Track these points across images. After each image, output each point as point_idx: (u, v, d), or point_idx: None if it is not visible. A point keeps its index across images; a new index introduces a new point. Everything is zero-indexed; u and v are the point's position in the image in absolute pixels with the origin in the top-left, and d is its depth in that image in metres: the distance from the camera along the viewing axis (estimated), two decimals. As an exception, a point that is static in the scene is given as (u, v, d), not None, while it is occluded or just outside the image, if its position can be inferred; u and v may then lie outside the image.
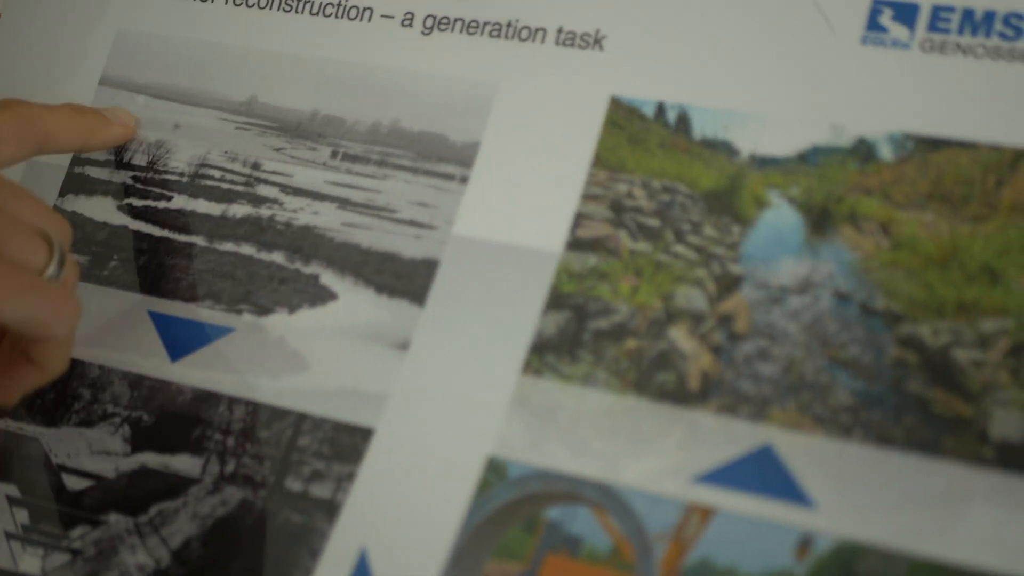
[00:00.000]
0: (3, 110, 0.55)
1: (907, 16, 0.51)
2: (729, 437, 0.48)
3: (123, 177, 0.60)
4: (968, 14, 0.50)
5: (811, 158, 0.50)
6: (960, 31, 0.50)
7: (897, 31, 0.51)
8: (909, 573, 0.44)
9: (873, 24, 0.51)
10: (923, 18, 0.51)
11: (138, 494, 0.54)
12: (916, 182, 0.49)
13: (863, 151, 0.50)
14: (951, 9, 0.50)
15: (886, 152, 0.50)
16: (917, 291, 0.48)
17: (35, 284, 0.48)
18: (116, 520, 0.54)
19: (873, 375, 0.47)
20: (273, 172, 0.58)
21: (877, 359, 0.47)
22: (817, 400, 0.47)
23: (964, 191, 0.48)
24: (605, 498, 0.48)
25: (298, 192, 0.57)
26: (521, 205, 0.53)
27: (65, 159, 0.61)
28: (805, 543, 0.46)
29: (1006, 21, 0.50)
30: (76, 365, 0.57)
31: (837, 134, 0.50)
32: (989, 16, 0.50)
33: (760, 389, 0.48)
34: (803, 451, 0.47)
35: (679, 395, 0.49)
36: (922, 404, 0.46)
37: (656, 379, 0.49)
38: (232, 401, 0.54)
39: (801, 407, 0.48)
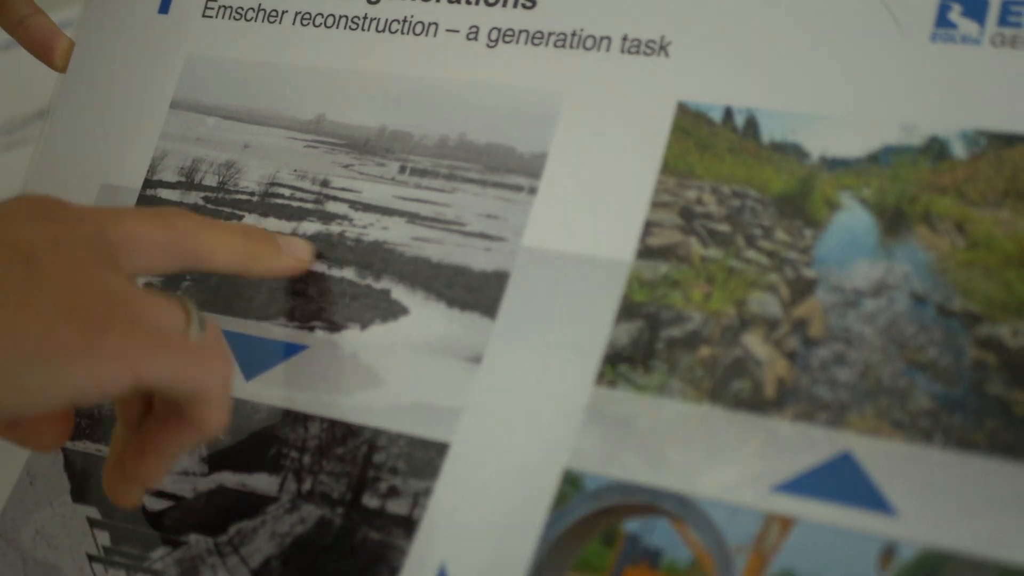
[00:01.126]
0: (158, 218, 0.51)
1: (976, 11, 0.50)
2: (807, 445, 0.47)
3: (194, 198, 0.60)
4: (1040, 6, 0.49)
5: (882, 158, 0.50)
6: (1033, 23, 0.49)
7: (966, 27, 0.50)
8: (996, 579, 0.44)
9: (942, 20, 0.50)
10: (993, 12, 0.50)
11: (217, 513, 0.55)
12: (991, 179, 0.48)
13: (935, 149, 0.49)
14: (1021, 2, 0.49)
15: (959, 149, 0.49)
16: (995, 290, 0.47)
17: (177, 343, 0.48)
18: (196, 540, 0.54)
19: (952, 378, 0.46)
20: (342, 189, 0.58)
21: (956, 361, 0.46)
22: (896, 405, 0.47)
23: (1041, 187, 0.47)
24: (684, 509, 0.48)
25: (367, 208, 0.57)
26: (590, 214, 0.53)
27: (137, 180, 0.61)
28: (888, 552, 0.45)
29: (1080, 12, 0.49)
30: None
31: (908, 133, 0.50)
32: (1062, 8, 0.49)
33: (837, 395, 0.48)
34: (883, 457, 0.46)
35: (755, 403, 0.48)
36: (1004, 407, 0.45)
37: (731, 387, 0.49)
38: (307, 418, 0.55)
39: (879, 412, 0.47)
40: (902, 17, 0.51)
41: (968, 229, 0.48)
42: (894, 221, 0.49)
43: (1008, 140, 0.48)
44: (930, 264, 0.48)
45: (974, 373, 0.46)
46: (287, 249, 0.56)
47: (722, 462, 0.48)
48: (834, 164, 0.50)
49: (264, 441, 0.55)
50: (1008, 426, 0.45)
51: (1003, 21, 0.50)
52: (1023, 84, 0.49)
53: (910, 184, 0.49)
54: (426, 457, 0.52)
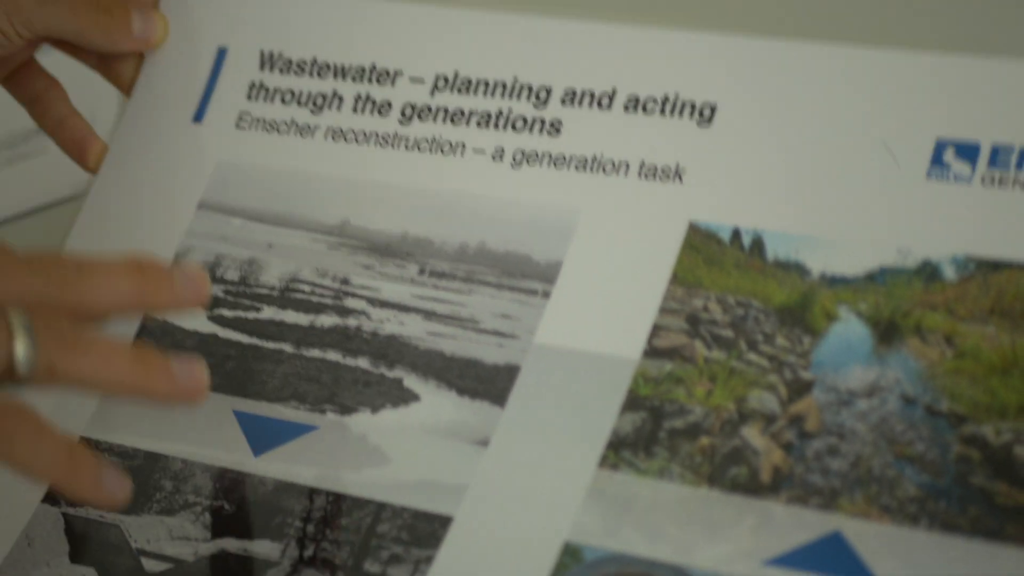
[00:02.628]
0: (29, 268, 0.49)
1: (969, 154, 0.55)
2: (800, 525, 0.50)
3: (215, 291, 0.63)
4: (1025, 154, 0.55)
5: (879, 277, 0.54)
6: (1019, 167, 0.54)
7: (959, 167, 0.55)
8: (976, 650, 0.47)
9: (937, 160, 0.55)
10: (983, 156, 0.55)
11: (217, 575, 0.56)
12: (978, 299, 0.53)
13: (928, 271, 0.54)
14: (1010, 149, 0.55)
15: (949, 272, 0.53)
16: (980, 395, 0.51)
17: None
18: (193, 601, 0.56)
19: (938, 470, 0.50)
20: (361, 286, 0.61)
21: (942, 456, 0.50)
22: (885, 492, 0.50)
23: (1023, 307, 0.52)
24: (679, 580, 0.51)
25: (385, 304, 0.60)
26: (601, 317, 0.57)
27: (159, 273, 0.64)
28: (875, 622, 0.48)
29: (1061, 160, 0.54)
30: (159, 459, 0.59)
31: (903, 256, 0.54)
32: (1047, 155, 0.54)
33: (829, 482, 0.51)
34: (872, 537, 0.49)
35: (751, 487, 0.52)
36: (986, 495, 0.49)
37: (729, 473, 0.52)
38: (313, 492, 0.57)
39: (869, 498, 0.50)
40: (900, 156, 0.56)
41: (956, 341, 0.52)
42: (888, 332, 0.53)
43: (995, 265, 0.53)
44: (920, 371, 0.52)
45: (959, 466, 0.50)
46: (180, 284, 0.51)
47: (717, 538, 0.51)
48: (833, 281, 0.55)
49: (268, 511, 0.57)
50: (990, 513, 0.49)
51: (993, 163, 0.55)
52: (1010, 219, 0.54)
53: (903, 301, 0.53)
54: (429, 528, 0.55)
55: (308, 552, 0.56)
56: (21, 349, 0.47)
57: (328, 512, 0.56)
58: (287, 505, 0.57)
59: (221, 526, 0.57)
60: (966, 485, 0.49)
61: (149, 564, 0.57)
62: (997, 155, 0.55)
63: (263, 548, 0.56)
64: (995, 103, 0.56)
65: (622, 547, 0.52)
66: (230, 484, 0.58)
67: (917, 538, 0.49)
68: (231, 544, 0.57)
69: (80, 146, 0.68)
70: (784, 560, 0.50)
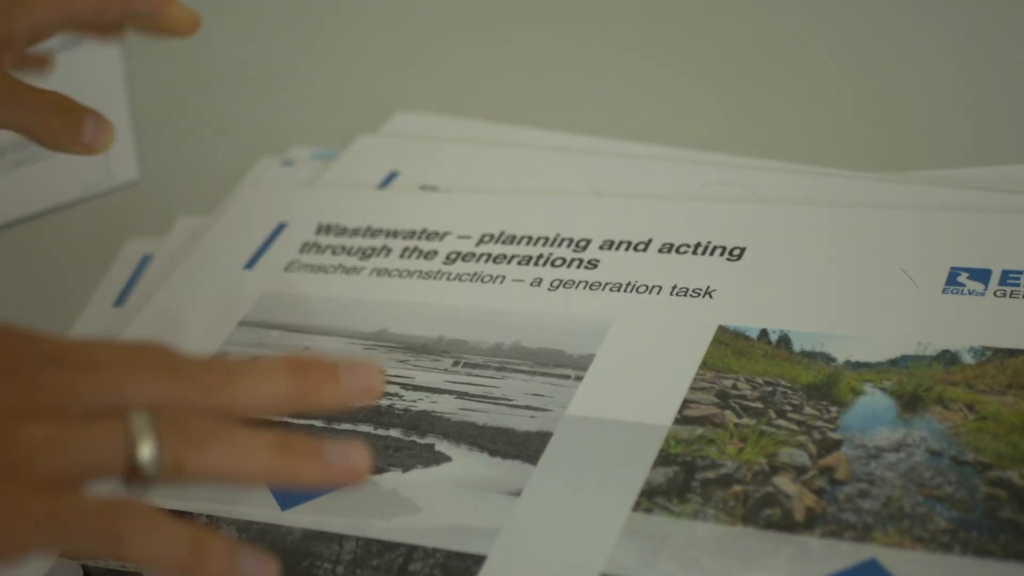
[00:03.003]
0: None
1: (981, 277, 0.60)
2: (835, 554, 0.52)
3: (246, 381, 0.65)
4: (1033, 274, 0.59)
5: (901, 363, 0.58)
6: (1028, 284, 0.59)
7: (973, 285, 0.60)
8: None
9: (952, 281, 0.60)
10: (995, 278, 0.60)
11: (239, 612, 0.56)
12: (996, 377, 0.56)
13: (947, 358, 0.57)
14: (1019, 273, 0.60)
15: (968, 358, 0.57)
16: (1003, 448, 0.54)
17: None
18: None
19: (968, 507, 0.52)
20: (396, 375, 0.63)
21: (971, 496, 0.52)
22: (917, 525, 0.52)
23: (1040, 382, 0.55)
24: (716, 602, 0.51)
25: (418, 388, 0.63)
26: (633, 394, 0.59)
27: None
28: (913, 630, 0.49)
29: (1065, 277, 0.59)
30: (182, 516, 0.60)
31: (923, 347, 0.58)
32: (1052, 276, 0.59)
33: (862, 518, 0.53)
34: (908, 563, 0.51)
35: (785, 524, 0.53)
36: (1015, 526, 0.51)
37: (763, 513, 0.54)
38: (343, 538, 0.57)
39: (902, 531, 0.52)
40: (918, 279, 0.61)
41: (977, 408, 0.55)
42: (911, 402, 0.56)
43: (1010, 352, 0.57)
44: (944, 430, 0.55)
45: (987, 503, 0.52)
46: (347, 377, 0.50)
47: (753, 567, 0.52)
48: (858, 365, 0.58)
49: (296, 556, 0.57)
50: (1020, 540, 0.51)
51: (1003, 283, 0.60)
52: (1021, 317, 0.58)
53: (925, 379, 0.57)
54: (462, 566, 0.55)
55: (335, 588, 0.56)
56: (145, 451, 0.47)
57: (358, 555, 0.57)
58: (316, 550, 0.57)
59: (245, 570, 0.57)
60: (995, 518, 0.52)
61: (168, 603, 0.57)
62: (1007, 277, 0.60)
63: (289, 587, 0.56)
64: (1005, 233, 0.61)
65: (658, 577, 0.53)
66: (257, 534, 0.59)
67: (951, 562, 0.51)
68: (255, 584, 0.57)
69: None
70: (821, 583, 0.51)
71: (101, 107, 0.62)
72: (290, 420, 0.61)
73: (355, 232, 0.71)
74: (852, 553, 0.52)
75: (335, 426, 0.62)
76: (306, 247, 0.71)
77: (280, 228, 0.72)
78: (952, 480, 0.53)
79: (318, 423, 0.62)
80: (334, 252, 0.70)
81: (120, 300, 0.72)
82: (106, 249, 0.75)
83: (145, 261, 0.74)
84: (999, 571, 0.50)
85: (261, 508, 0.59)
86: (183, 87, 0.85)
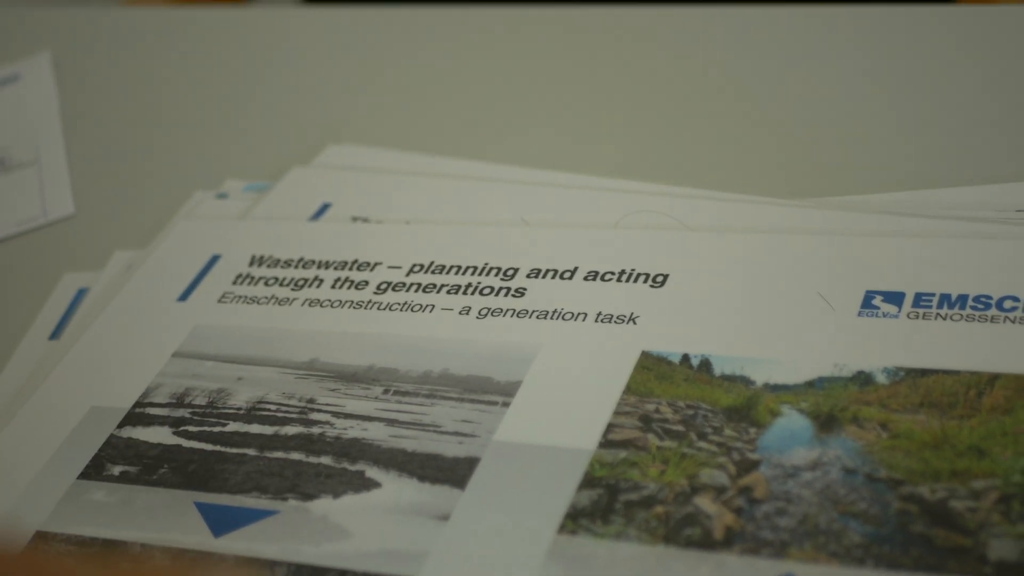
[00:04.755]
0: None
1: (895, 300, 0.62)
2: (753, 571, 0.53)
3: (182, 412, 0.66)
4: (945, 296, 0.61)
5: (817, 384, 0.59)
6: (940, 307, 0.61)
7: (887, 308, 0.62)
8: (924, 659, 0.49)
9: (867, 304, 0.62)
10: (908, 301, 0.62)
11: (172, 637, 0.57)
12: (909, 396, 0.58)
13: (862, 378, 0.59)
14: (931, 295, 0.61)
15: (882, 378, 0.59)
16: (915, 464, 0.55)
17: None
18: (147, 659, 0.56)
19: (880, 522, 0.54)
20: (327, 404, 0.65)
21: (883, 511, 0.54)
22: (832, 541, 0.54)
23: (950, 400, 0.57)
24: (637, 619, 0.53)
25: (349, 416, 0.64)
26: (558, 419, 0.61)
27: (128, 400, 0.67)
28: (827, 643, 0.51)
29: (976, 299, 0.61)
30: (117, 544, 0.61)
31: (839, 369, 0.60)
32: (963, 297, 0.61)
33: (779, 536, 0.54)
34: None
35: (705, 543, 0.55)
36: (926, 540, 0.53)
37: (683, 533, 0.55)
38: (275, 564, 0.58)
39: (817, 547, 0.54)
40: (835, 303, 0.62)
41: (891, 426, 0.57)
42: (827, 422, 0.58)
43: (922, 372, 0.59)
44: (859, 449, 0.57)
45: (899, 518, 0.54)
46: None
47: (674, 585, 0.54)
48: (776, 388, 0.60)
49: (228, 582, 0.58)
50: (931, 553, 0.52)
51: (916, 305, 0.61)
52: (935, 340, 0.60)
53: (840, 399, 0.58)
54: (390, 588, 0.56)
55: (267, 613, 0.57)
56: None
57: (289, 580, 0.58)
58: (247, 576, 0.58)
59: (178, 597, 0.58)
60: (907, 532, 0.53)
61: (102, 631, 0.58)
62: (920, 299, 0.62)
63: (221, 612, 0.57)
64: (918, 256, 0.63)
65: (582, 596, 0.54)
66: (189, 562, 0.60)
67: (864, 575, 0.52)
68: (188, 610, 0.58)
69: None
70: (739, 598, 0.53)
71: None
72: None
73: (287, 263, 0.72)
74: (769, 569, 0.53)
75: (266, 454, 0.63)
76: (239, 279, 0.72)
77: (214, 260, 0.73)
78: (866, 496, 0.55)
79: (251, 451, 0.63)
80: (267, 283, 0.71)
81: (56, 333, 0.73)
82: (42, 283, 0.76)
83: (81, 294, 0.75)
84: (910, 583, 0.52)
85: (193, 535, 0.60)
86: (118, 123, 0.86)
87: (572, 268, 0.68)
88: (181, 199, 0.79)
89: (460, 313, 0.67)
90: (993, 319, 0.60)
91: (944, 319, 0.61)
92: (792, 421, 0.59)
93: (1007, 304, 0.60)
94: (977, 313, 0.60)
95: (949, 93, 0.75)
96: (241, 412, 0.65)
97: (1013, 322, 0.60)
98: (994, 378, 0.58)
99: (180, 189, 0.79)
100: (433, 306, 0.68)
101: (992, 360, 0.58)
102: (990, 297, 0.61)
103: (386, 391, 0.65)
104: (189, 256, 0.74)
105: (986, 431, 0.56)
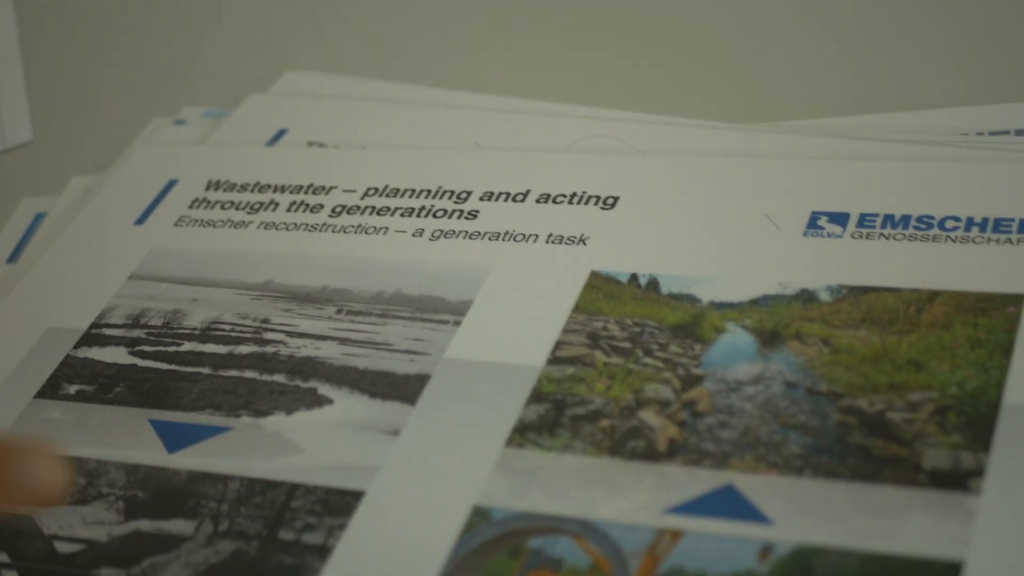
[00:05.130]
0: None
1: (840, 220, 0.63)
2: (696, 481, 0.55)
3: (137, 333, 0.67)
4: (889, 216, 0.62)
5: (762, 302, 0.60)
6: (883, 227, 0.62)
7: (832, 228, 0.63)
8: (861, 565, 0.51)
9: (812, 224, 0.63)
10: (852, 221, 0.63)
11: (130, 552, 0.58)
12: (851, 312, 0.59)
13: (805, 296, 0.60)
14: (875, 215, 0.62)
15: (825, 296, 0.60)
16: (854, 378, 0.56)
17: None
18: (108, 573, 0.57)
19: (820, 433, 0.55)
20: (280, 323, 0.65)
21: (823, 423, 0.55)
22: (772, 452, 0.55)
23: (891, 316, 0.58)
24: (584, 528, 0.54)
25: (302, 335, 0.65)
26: (507, 337, 0.62)
27: (85, 321, 0.68)
28: (766, 549, 0.52)
29: (919, 219, 0.62)
30: (73, 461, 0.62)
31: (783, 287, 0.61)
32: (906, 217, 0.62)
33: (721, 447, 0.55)
34: (762, 487, 0.54)
35: (649, 455, 0.56)
36: (863, 450, 0.54)
37: (628, 445, 0.56)
38: (227, 478, 0.59)
39: (758, 457, 0.55)
40: (781, 223, 0.63)
41: (832, 342, 0.58)
42: (770, 338, 0.59)
43: (864, 290, 0.60)
44: (800, 364, 0.58)
45: (838, 429, 0.55)
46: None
47: (619, 495, 0.55)
48: (721, 306, 0.61)
49: (182, 496, 0.59)
50: (867, 462, 0.54)
51: (860, 225, 0.62)
52: (877, 258, 0.61)
53: (784, 316, 0.60)
54: (342, 502, 0.57)
55: (223, 527, 0.58)
56: None
57: (242, 494, 0.59)
58: (201, 490, 0.59)
59: (135, 511, 0.59)
60: (845, 443, 0.54)
61: (62, 547, 0.59)
62: (864, 219, 0.63)
63: (177, 526, 0.58)
64: (863, 178, 0.64)
65: (529, 507, 0.55)
66: (144, 477, 0.60)
67: (802, 484, 0.54)
68: (145, 524, 0.59)
69: None
70: (682, 508, 0.54)
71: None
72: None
73: (243, 188, 0.73)
74: (711, 479, 0.55)
75: (220, 373, 0.64)
76: (196, 203, 0.72)
77: (170, 185, 0.74)
78: (806, 409, 0.56)
79: (205, 370, 0.64)
80: (223, 207, 0.72)
81: (13, 257, 0.73)
82: (0, 208, 0.76)
83: (39, 219, 0.75)
84: (846, 491, 0.53)
85: (148, 452, 0.61)
86: (77, 50, 0.87)
87: (524, 191, 0.68)
88: (140, 125, 0.79)
89: (413, 235, 0.68)
90: (935, 238, 0.61)
91: (887, 239, 0.62)
92: (736, 337, 0.60)
93: (948, 224, 0.62)
94: (919, 232, 0.62)
95: (897, 19, 0.76)
96: (196, 332, 0.66)
97: (954, 241, 0.61)
98: (934, 295, 0.59)
99: (139, 115, 0.80)
100: (387, 228, 0.69)
101: (932, 277, 0.60)
102: (932, 217, 0.62)
103: (339, 311, 0.66)
104: (146, 181, 0.74)
105: (924, 346, 0.57)
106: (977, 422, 0.54)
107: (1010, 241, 0.60)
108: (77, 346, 0.67)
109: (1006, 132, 0.66)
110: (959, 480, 0.53)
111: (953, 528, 0.51)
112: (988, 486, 0.52)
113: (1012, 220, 0.61)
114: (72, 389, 0.65)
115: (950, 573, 0.50)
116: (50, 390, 0.65)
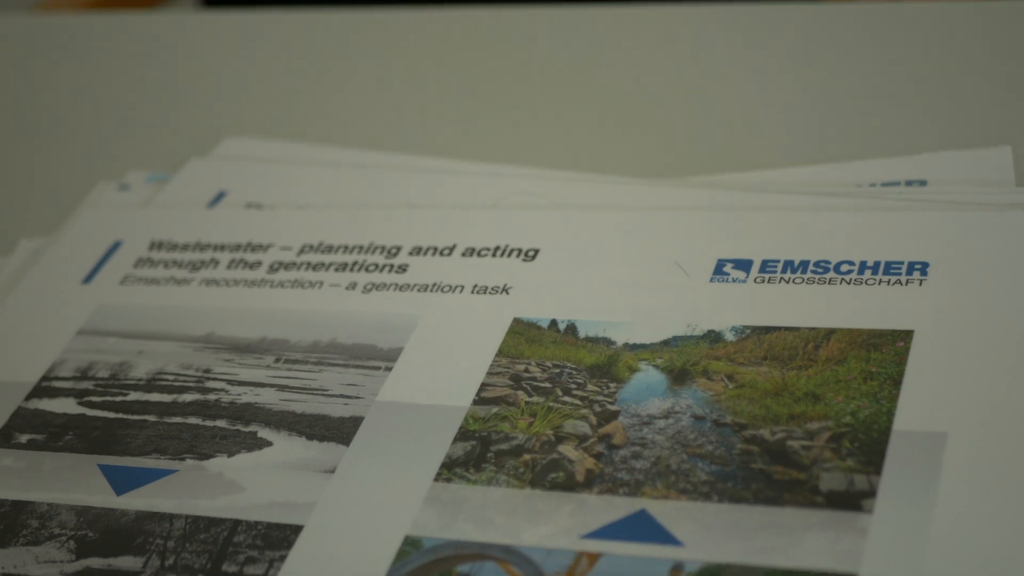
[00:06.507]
0: None
1: (743, 266, 0.67)
2: (611, 508, 0.59)
3: (86, 384, 0.70)
4: (788, 262, 0.67)
5: (672, 342, 0.65)
6: (783, 272, 0.67)
7: (736, 274, 0.67)
8: (762, 579, 0.55)
9: (718, 271, 0.68)
10: (755, 267, 0.67)
11: (79, 585, 0.61)
12: (753, 350, 0.63)
13: (712, 336, 0.65)
14: (776, 261, 0.67)
15: (730, 336, 0.64)
16: (757, 410, 0.61)
17: None
18: (55, 605, 0.61)
19: (725, 461, 0.59)
20: (222, 373, 0.69)
21: (728, 452, 0.60)
22: (681, 479, 0.59)
23: (790, 353, 0.63)
24: (508, 554, 0.58)
25: (243, 383, 0.68)
26: (436, 381, 0.66)
27: (35, 375, 0.71)
28: (677, 568, 0.56)
29: (816, 264, 0.67)
30: (26, 505, 0.65)
31: (692, 329, 0.65)
32: (804, 263, 0.67)
33: (635, 476, 0.60)
34: (672, 511, 0.58)
35: (568, 485, 0.60)
36: (765, 475, 0.58)
37: (548, 477, 0.61)
38: (173, 517, 0.63)
39: (668, 485, 0.59)
40: (689, 270, 0.68)
41: (736, 377, 0.63)
42: (680, 376, 0.63)
43: (766, 330, 0.64)
44: (707, 398, 0.62)
45: (742, 457, 0.59)
46: None
47: (540, 523, 0.59)
48: (635, 347, 0.65)
49: (130, 535, 0.63)
50: (769, 487, 0.58)
51: (763, 270, 0.67)
52: (777, 301, 0.65)
53: (692, 355, 0.64)
54: (282, 535, 0.61)
55: (169, 562, 0.61)
56: None
57: (187, 531, 0.63)
58: (148, 528, 0.63)
59: (86, 550, 0.63)
60: (748, 469, 0.59)
61: (13, 582, 0.62)
62: (766, 265, 0.67)
63: (127, 563, 0.62)
64: (764, 228, 0.69)
65: (457, 536, 0.59)
66: (94, 517, 0.64)
67: (710, 508, 0.58)
68: (96, 562, 0.62)
69: None
70: (599, 533, 0.58)
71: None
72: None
73: (185, 247, 0.77)
74: (625, 506, 0.59)
75: (166, 420, 0.67)
76: (140, 262, 0.76)
77: (116, 245, 0.78)
78: (713, 440, 0.60)
79: (151, 418, 0.68)
80: (166, 266, 0.76)
81: (-35, 316, 0.77)
82: (-49, 271, 0.80)
83: (-12, 281, 0.79)
84: (750, 513, 0.57)
85: (97, 494, 0.65)
86: (26, 119, 0.91)
87: (451, 245, 0.73)
88: (85, 189, 0.83)
89: (347, 288, 0.72)
90: (831, 281, 0.66)
91: (787, 282, 0.66)
92: (648, 376, 0.64)
93: (843, 268, 0.66)
94: (816, 276, 0.66)
95: (794, 84, 0.81)
96: (142, 382, 0.70)
97: (848, 283, 0.66)
98: (830, 333, 0.64)
99: (85, 181, 0.84)
100: (322, 283, 0.73)
101: (828, 317, 0.64)
102: (828, 262, 0.67)
103: (277, 360, 0.70)
104: (92, 242, 0.78)
105: (821, 379, 0.62)
106: (869, 447, 0.59)
107: (900, 282, 0.65)
108: (28, 398, 0.71)
109: (896, 183, 0.71)
110: (853, 501, 0.57)
111: (848, 544, 0.56)
112: (879, 506, 0.57)
113: (901, 263, 0.66)
114: (23, 438, 0.69)
115: (845, 585, 0.55)
116: (2, 440, 0.69)
